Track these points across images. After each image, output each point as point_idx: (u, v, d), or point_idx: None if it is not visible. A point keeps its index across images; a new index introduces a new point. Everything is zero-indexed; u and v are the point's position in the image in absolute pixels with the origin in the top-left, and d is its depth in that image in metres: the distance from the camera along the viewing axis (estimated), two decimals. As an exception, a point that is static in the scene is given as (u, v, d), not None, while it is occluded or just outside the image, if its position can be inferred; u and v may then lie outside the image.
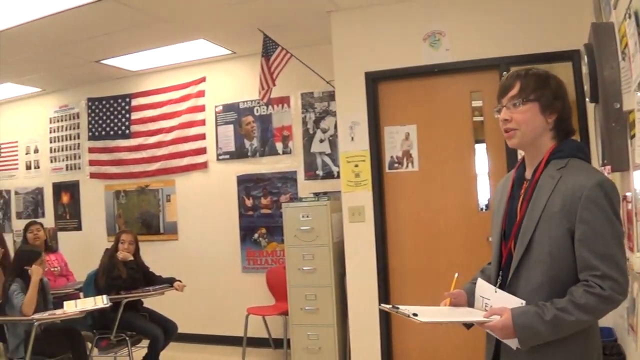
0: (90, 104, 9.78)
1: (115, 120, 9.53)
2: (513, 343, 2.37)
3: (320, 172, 8.11)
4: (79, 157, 9.94)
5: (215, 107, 8.81)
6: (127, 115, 9.45)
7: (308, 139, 8.18)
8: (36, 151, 10.40)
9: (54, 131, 10.22)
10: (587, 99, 4.14)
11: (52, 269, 7.59)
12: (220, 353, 8.32)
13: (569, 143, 2.54)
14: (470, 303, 2.71)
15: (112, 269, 6.94)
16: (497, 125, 2.62)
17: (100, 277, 6.97)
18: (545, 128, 2.52)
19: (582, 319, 2.26)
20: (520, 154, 2.69)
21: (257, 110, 8.52)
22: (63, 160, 10.12)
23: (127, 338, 6.72)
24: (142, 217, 9.43)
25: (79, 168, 9.96)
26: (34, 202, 10.45)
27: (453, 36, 6.31)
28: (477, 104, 6.40)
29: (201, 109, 8.88)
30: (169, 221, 9.25)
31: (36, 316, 5.92)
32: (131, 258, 7.10)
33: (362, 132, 6.64)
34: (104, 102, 9.64)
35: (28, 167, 10.51)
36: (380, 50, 6.57)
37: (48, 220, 10.09)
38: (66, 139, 10.08)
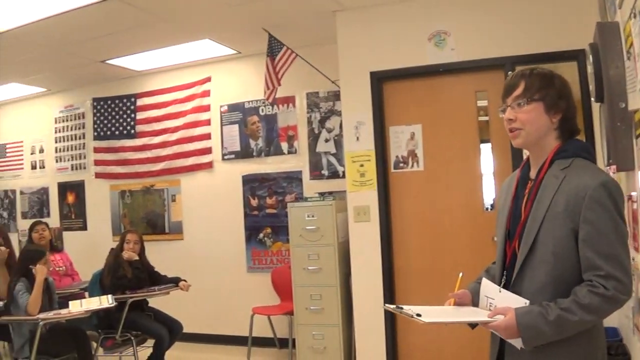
0: (95, 104, 9.79)
1: (121, 120, 9.54)
2: (517, 343, 2.37)
3: (325, 172, 8.11)
4: (84, 157, 9.96)
5: (221, 107, 8.82)
6: (133, 115, 9.46)
7: (313, 138, 8.18)
8: (41, 151, 10.42)
9: (59, 131, 10.24)
10: (592, 99, 4.14)
11: (57, 269, 7.59)
12: (225, 353, 8.32)
13: (573, 143, 2.53)
14: (475, 303, 2.70)
15: (117, 269, 6.95)
16: (502, 125, 2.61)
17: (105, 277, 6.98)
18: (549, 128, 2.51)
19: (586, 319, 2.25)
20: (526, 153, 2.68)
21: (262, 110, 8.53)
22: (68, 160, 10.13)
23: (133, 338, 6.73)
24: (148, 216, 9.44)
25: (84, 168, 9.98)
26: (39, 202, 10.47)
27: (458, 36, 6.30)
28: (482, 103, 6.40)
29: (206, 108, 8.88)
30: (174, 221, 9.26)
31: (41, 316, 5.93)
32: (136, 258, 7.10)
33: (368, 131, 6.63)
34: (109, 102, 9.65)
35: (33, 167, 10.52)
36: (385, 50, 6.57)
37: (53, 220, 10.11)
38: (71, 139, 10.10)
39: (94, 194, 9.91)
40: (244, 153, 8.66)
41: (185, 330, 7.13)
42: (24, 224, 10.02)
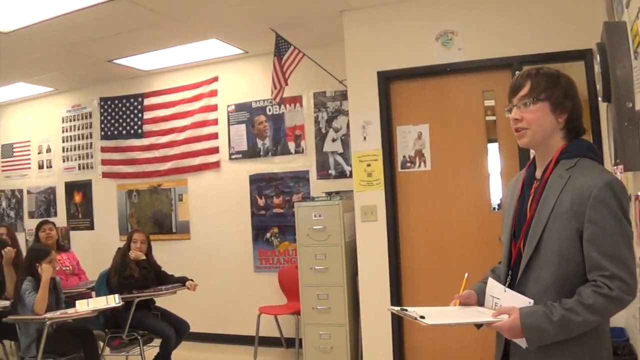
0: (102, 103, 9.81)
1: (128, 120, 9.55)
2: (522, 342, 2.36)
3: (332, 172, 8.10)
4: (92, 157, 9.98)
5: (228, 106, 8.82)
6: (140, 115, 9.47)
7: (320, 138, 8.17)
8: (49, 150, 10.44)
9: (67, 130, 10.26)
10: (599, 99, 4.13)
11: (64, 268, 7.60)
12: (232, 352, 8.32)
13: (578, 143, 2.53)
14: (481, 303, 2.70)
15: (124, 268, 6.97)
16: (509, 124, 2.61)
17: (112, 276, 7.00)
18: (555, 127, 2.51)
19: (590, 319, 2.25)
20: (533, 153, 2.67)
21: (269, 109, 8.53)
22: (75, 160, 10.15)
23: (139, 337, 6.74)
24: (155, 216, 9.45)
25: (92, 167, 10.00)
26: (46, 201, 10.49)
27: (465, 35, 6.29)
28: (489, 103, 6.38)
29: (213, 108, 8.89)
30: (181, 220, 9.26)
31: (48, 315, 5.93)
32: (143, 257, 7.11)
33: (375, 131, 6.62)
34: (116, 102, 9.66)
35: (40, 167, 10.55)
36: (392, 49, 6.56)
37: (60, 219, 10.15)
38: (79, 139, 10.11)
39: (101, 193, 9.93)
40: (251, 153, 8.66)
41: (192, 330, 7.15)
42: (31, 224, 10.01)
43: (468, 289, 2.77)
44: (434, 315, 2.49)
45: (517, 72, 2.87)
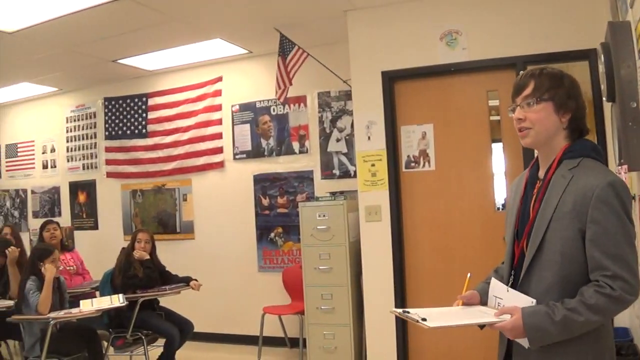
0: (106, 103, 9.81)
1: (132, 120, 9.56)
2: (524, 342, 2.37)
3: (336, 172, 8.10)
4: (96, 157, 9.99)
5: (232, 106, 8.82)
6: (144, 115, 9.47)
7: (324, 138, 8.17)
8: (53, 150, 10.45)
9: (71, 130, 10.27)
10: (603, 98, 4.12)
11: (68, 268, 7.60)
12: (236, 352, 8.32)
13: (582, 143, 2.52)
14: (484, 303, 2.70)
15: (128, 268, 6.97)
16: (513, 124, 2.61)
17: (116, 276, 7.00)
18: (559, 127, 2.51)
19: (592, 319, 2.25)
20: (537, 153, 2.67)
21: (273, 109, 8.53)
22: (79, 160, 10.16)
23: (143, 337, 6.74)
24: (159, 216, 9.46)
25: (96, 167, 10.01)
26: (50, 201, 10.51)
27: (470, 35, 6.28)
28: (493, 103, 6.37)
29: (218, 108, 8.89)
30: (186, 220, 9.27)
31: (52, 315, 5.94)
32: (147, 257, 7.12)
33: (379, 131, 6.62)
34: (120, 102, 9.67)
35: (45, 167, 10.57)
36: (396, 49, 6.55)
37: (64, 219, 10.15)
38: (83, 139, 10.13)
39: (105, 193, 9.94)
40: (255, 152, 8.66)
41: (196, 330, 7.16)
42: (35, 224, 10.04)
43: (470, 289, 2.77)
44: (436, 316, 2.49)
45: (521, 72, 2.86)
